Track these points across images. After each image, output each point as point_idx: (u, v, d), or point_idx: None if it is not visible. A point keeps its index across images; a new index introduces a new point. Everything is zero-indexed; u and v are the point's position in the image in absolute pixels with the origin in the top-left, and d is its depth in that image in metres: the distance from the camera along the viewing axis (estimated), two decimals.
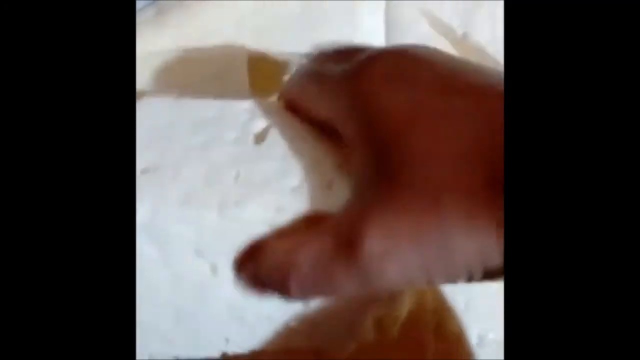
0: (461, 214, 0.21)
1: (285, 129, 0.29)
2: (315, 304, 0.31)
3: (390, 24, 0.46)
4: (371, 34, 0.46)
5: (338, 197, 0.26)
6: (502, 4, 0.45)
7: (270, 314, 0.31)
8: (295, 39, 0.47)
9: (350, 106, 0.24)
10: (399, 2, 0.46)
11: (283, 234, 0.26)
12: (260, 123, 0.30)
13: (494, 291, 0.33)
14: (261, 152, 0.29)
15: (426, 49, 0.24)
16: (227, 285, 0.29)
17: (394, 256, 0.22)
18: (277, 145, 0.29)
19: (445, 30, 0.45)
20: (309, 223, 0.26)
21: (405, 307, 0.34)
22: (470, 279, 0.23)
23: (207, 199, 0.28)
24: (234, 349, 0.33)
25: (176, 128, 0.30)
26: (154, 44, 0.43)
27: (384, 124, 0.22)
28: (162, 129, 0.31)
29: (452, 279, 0.23)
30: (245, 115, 0.31)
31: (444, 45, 0.46)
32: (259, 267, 0.27)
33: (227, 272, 0.28)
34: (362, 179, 0.24)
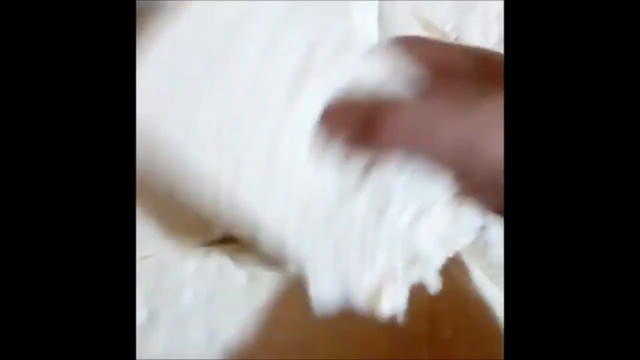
0: None
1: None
2: None
3: (382, 26, 0.46)
4: (364, 34, 0.46)
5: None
6: (494, 6, 0.46)
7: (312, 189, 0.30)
8: None
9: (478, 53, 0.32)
10: (391, 3, 0.46)
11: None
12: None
13: None
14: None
15: None
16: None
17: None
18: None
19: (438, 33, 0.46)
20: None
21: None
22: None
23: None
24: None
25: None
26: None
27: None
28: None
29: None
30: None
31: None
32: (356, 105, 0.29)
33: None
34: (475, 87, 0.29)
